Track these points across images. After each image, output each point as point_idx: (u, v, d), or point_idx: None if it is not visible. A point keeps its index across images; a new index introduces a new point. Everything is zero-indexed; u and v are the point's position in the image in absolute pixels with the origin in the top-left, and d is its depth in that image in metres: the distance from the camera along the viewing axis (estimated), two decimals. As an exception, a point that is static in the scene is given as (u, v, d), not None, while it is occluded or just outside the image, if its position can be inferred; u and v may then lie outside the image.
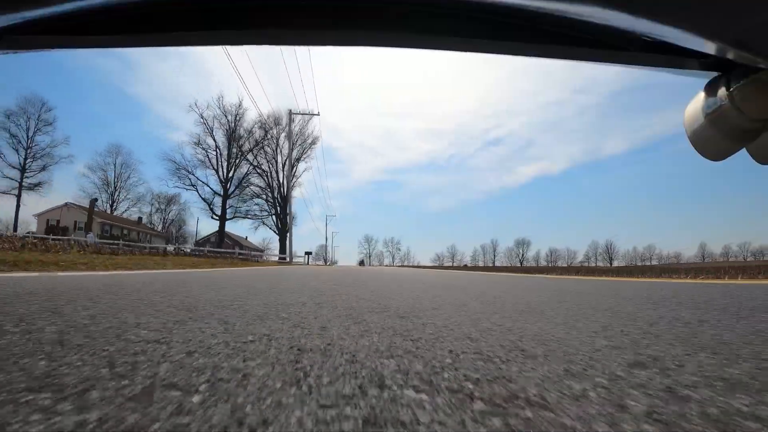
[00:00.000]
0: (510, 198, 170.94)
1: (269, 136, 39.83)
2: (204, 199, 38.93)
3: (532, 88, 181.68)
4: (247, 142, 39.62)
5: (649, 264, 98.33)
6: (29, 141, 38.34)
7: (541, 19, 0.59)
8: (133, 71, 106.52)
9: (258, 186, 40.83)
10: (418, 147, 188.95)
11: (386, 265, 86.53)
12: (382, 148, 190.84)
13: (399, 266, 62.65)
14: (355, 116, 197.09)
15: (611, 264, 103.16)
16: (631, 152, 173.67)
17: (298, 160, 40.27)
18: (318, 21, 0.70)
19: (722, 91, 0.58)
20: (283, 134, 39.12)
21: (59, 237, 22.10)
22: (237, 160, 39.58)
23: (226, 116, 38.90)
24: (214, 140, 38.86)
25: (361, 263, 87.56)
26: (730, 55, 0.53)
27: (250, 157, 40.00)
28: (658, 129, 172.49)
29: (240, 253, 31.01)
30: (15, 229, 34.76)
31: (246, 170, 40.13)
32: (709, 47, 0.52)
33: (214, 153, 39.23)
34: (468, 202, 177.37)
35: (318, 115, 25.67)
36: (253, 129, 39.72)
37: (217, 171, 39.14)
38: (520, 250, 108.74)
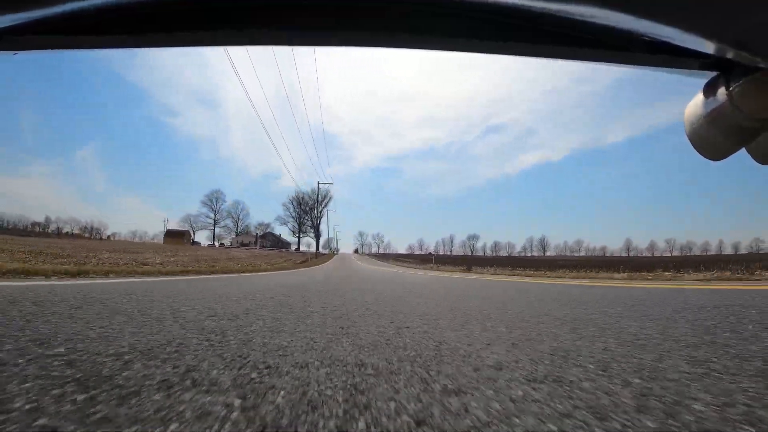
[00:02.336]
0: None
1: (312, 198, 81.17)
2: (291, 231, 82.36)
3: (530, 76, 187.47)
4: (306, 206, 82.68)
5: (577, 255, 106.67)
6: (216, 211, 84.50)
7: (542, 19, 0.52)
8: (132, 59, 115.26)
9: (306, 218, 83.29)
10: (415, 134, 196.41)
11: (374, 253, 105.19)
12: (382, 136, 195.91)
13: (380, 254, 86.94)
14: (355, 103, 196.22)
15: (544, 254, 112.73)
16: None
17: (322, 209, 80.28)
18: (321, 20, 0.60)
19: (722, 91, 0.52)
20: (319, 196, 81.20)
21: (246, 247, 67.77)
22: (302, 215, 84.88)
23: (298, 198, 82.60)
24: (293, 206, 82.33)
25: (356, 251, 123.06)
26: (729, 55, 0.47)
27: (307, 211, 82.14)
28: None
29: (297, 250, 71.17)
30: (219, 245, 74.58)
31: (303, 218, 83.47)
32: (708, 47, 0.46)
33: (294, 211, 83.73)
34: (444, 197, 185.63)
35: (332, 183, 45.68)
36: (305, 199, 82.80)
37: (295, 219, 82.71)
38: (471, 243, 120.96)
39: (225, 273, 9.44)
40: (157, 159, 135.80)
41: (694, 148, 0.58)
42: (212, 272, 9.33)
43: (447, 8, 0.56)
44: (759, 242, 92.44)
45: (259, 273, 10.77)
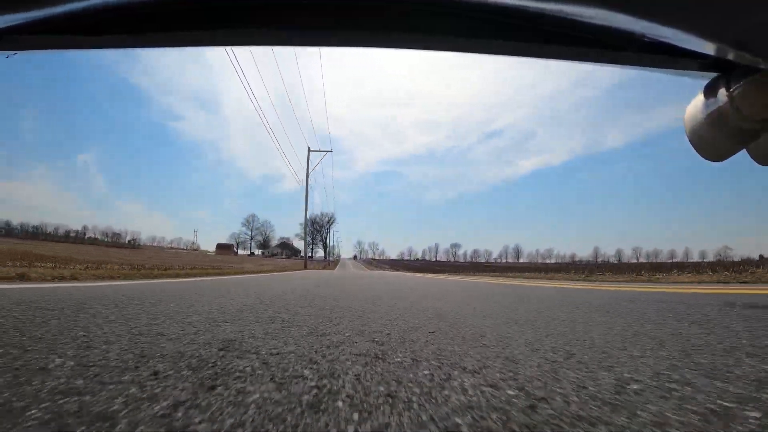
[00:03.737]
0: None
1: (321, 219, 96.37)
2: (306, 242, 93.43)
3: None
4: (318, 225, 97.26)
5: (548, 262, 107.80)
6: (253, 227, 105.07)
7: (542, 19, 0.48)
8: (134, 62, 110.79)
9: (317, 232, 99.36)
10: (416, 138, 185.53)
11: (368, 260, 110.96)
12: (382, 140, 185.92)
13: (372, 260, 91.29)
14: (357, 107, 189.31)
15: (518, 260, 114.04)
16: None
17: (330, 226, 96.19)
18: (321, 20, 0.55)
19: (722, 92, 0.48)
20: (326, 218, 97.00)
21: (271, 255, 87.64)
22: (314, 233, 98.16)
23: (315, 220, 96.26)
24: (307, 224, 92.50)
25: (354, 257, 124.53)
26: (729, 56, 0.43)
27: (318, 229, 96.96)
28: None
29: (310, 258, 65.45)
30: (251, 254, 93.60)
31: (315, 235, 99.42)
32: (708, 48, 0.43)
33: (308, 228, 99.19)
34: (440, 203, 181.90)
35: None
36: (317, 219, 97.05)
37: (309, 234, 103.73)
38: (453, 250, 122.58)
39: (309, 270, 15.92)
40: (158, 163, 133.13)
41: (694, 148, 0.54)
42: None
43: (447, 8, 0.51)
44: (727, 250, 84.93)
45: (320, 270, 16.82)
